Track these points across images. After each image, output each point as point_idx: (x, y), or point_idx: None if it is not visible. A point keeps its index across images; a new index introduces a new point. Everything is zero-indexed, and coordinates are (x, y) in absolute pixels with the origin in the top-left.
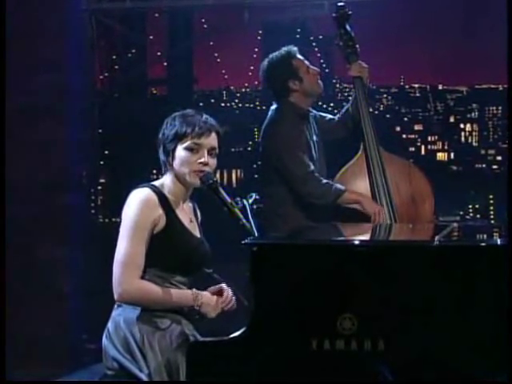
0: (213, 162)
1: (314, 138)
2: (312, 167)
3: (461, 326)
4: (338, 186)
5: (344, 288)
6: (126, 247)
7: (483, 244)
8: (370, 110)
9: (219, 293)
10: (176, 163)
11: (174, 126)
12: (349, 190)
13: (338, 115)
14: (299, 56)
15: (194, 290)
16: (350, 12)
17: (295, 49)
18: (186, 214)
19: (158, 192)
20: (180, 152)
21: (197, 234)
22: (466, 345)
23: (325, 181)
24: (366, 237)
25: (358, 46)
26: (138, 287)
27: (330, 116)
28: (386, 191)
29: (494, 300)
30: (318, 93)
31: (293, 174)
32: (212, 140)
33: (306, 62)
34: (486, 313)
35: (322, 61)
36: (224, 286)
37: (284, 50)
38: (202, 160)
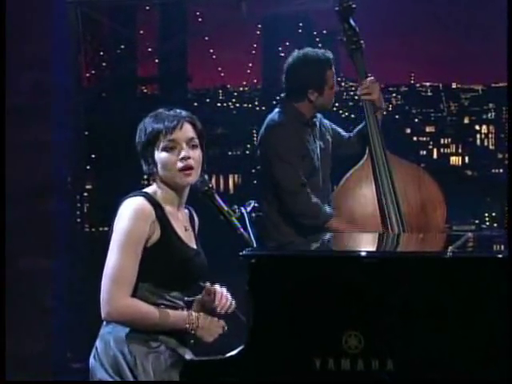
0: (195, 153)
1: (319, 145)
2: (304, 181)
3: (478, 343)
4: (328, 210)
5: (350, 303)
6: (117, 261)
7: (500, 256)
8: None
9: (213, 295)
10: (159, 169)
11: (144, 131)
12: (338, 217)
13: (350, 133)
14: (333, 68)
15: (190, 311)
16: (354, 5)
17: (332, 57)
18: (181, 222)
19: (152, 200)
20: (158, 155)
21: (193, 244)
22: (484, 364)
23: (315, 200)
24: (372, 247)
25: (363, 42)
26: (128, 306)
27: (341, 131)
28: (394, 198)
29: None
30: (328, 109)
31: (283, 185)
32: (187, 131)
33: (335, 78)
34: (505, 330)
35: None
36: (217, 287)
37: (324, 53)
38: (182, 155)
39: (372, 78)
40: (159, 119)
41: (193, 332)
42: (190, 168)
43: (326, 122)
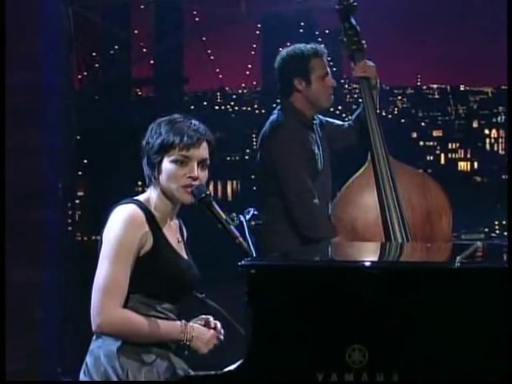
0: (203, 174)
1: (320, 147)
2: (309, 189)
3: (487, 357)
4: (332, 228)
5: (353, 315)
6: (108, 271)
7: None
8: (383, 114)
9: (207, 325)
10: (162, 177)
11: (159, 135)
12: (340, 237)
13: (348, 121)
14: (323, 59)
15: (184, 321)
16: (355, 3)
17: (324, 51)
18: (173, 233)
19: (145, 209)
20: (166, 165)
21: (184, 255)
22: (493, 378)
23: (317, 212)
24: (377, 257)
25: (364, 42)
26: (119, 317)
27: (337, 122)
28: (397, 206)
29: None
30: (324, 106)
31: (287, 194)
32: (202, 151)
33: (327, 69)
34: None
35: (328, 58)
36: (210, 318)
37: (312, 46)
38: (192, 174)
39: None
40: (178, 130)
41: (188, 343)
42: (192, 187)
43: (323, 121)
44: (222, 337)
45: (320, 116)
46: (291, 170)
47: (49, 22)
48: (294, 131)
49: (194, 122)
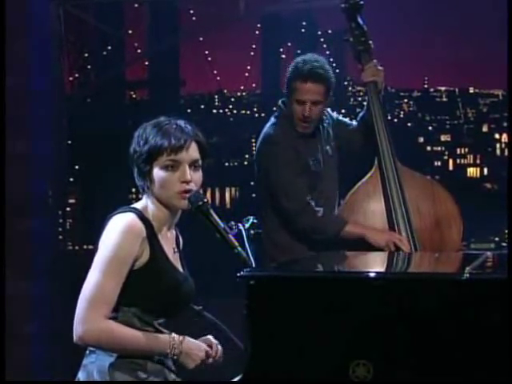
0: (197, 176)
1: (326, 151)
2: (308, 198)
3: (498, 373)
4: (339, 218)
5: (357, 328)
6: (97, 280)
7: None
8: (388, 117)
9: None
10: (155, 186)
11: (145, 142)
12: (351, 222)
13: (354, 122)
14: (313, 84)
15: (173, 334)
16: (361, 2)
17: (321, 75)
18: (170, 243)
19: (143, 218)
20: (157, 173)
21: (180, 267)
22: None
23: (320, 214)
24: (381, 267)
25: (371, 42)
26: (101, 328)
27: (350, 122)
28: (405, 214)
29: None
30: (296, 127)
31: (285, 206)
32: (192, 152)
33: (309, 97)
34: None
35: (331, 59)
36: (211, 338)
37: (311, 63)
38: (184, 178)
39: (375, 61)
40: (164, 134)
41: (175, 357)
42: (189, 191)
43: (335, 120)
44: (213, 354)
45: (333, 114)
46: (287, 185)
47: (38, 21)
48: (286, 144)
49: (180, 123)
